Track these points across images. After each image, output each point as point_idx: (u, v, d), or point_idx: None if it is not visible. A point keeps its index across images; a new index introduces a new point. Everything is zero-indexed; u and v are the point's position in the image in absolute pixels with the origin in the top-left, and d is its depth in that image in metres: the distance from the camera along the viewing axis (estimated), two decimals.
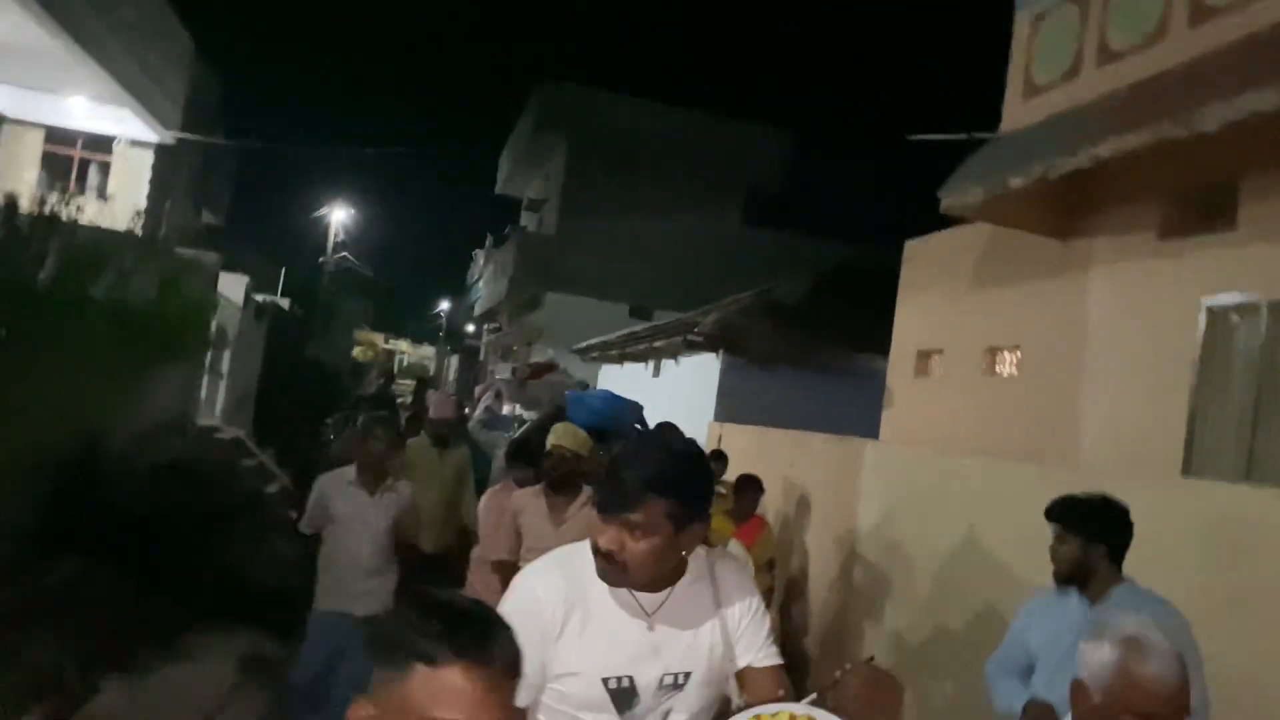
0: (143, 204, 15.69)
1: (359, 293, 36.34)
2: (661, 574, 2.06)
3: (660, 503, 1.96)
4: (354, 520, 4.95)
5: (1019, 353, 7.85)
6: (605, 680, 2.01)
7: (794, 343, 11.62)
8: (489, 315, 33.73)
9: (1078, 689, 1.92)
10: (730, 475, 6.94)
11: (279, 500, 11.03)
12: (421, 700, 1.22)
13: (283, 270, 22.46)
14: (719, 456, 7.17)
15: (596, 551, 2.01)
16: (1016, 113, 7.28)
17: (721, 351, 11.61)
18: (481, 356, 38.86)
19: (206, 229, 19.80)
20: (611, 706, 2.02)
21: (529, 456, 5.46)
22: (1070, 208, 6.99)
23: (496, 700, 1.24)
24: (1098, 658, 1.88)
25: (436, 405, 7.32)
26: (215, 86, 19.05)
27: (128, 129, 15.29)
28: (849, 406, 10.42)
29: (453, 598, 1.31)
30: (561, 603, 2.01)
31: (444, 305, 58.79)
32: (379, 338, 56.48)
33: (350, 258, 32.70)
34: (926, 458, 6.52)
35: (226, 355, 13.16)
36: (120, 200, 15.69)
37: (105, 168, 16.25)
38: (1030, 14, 7.42)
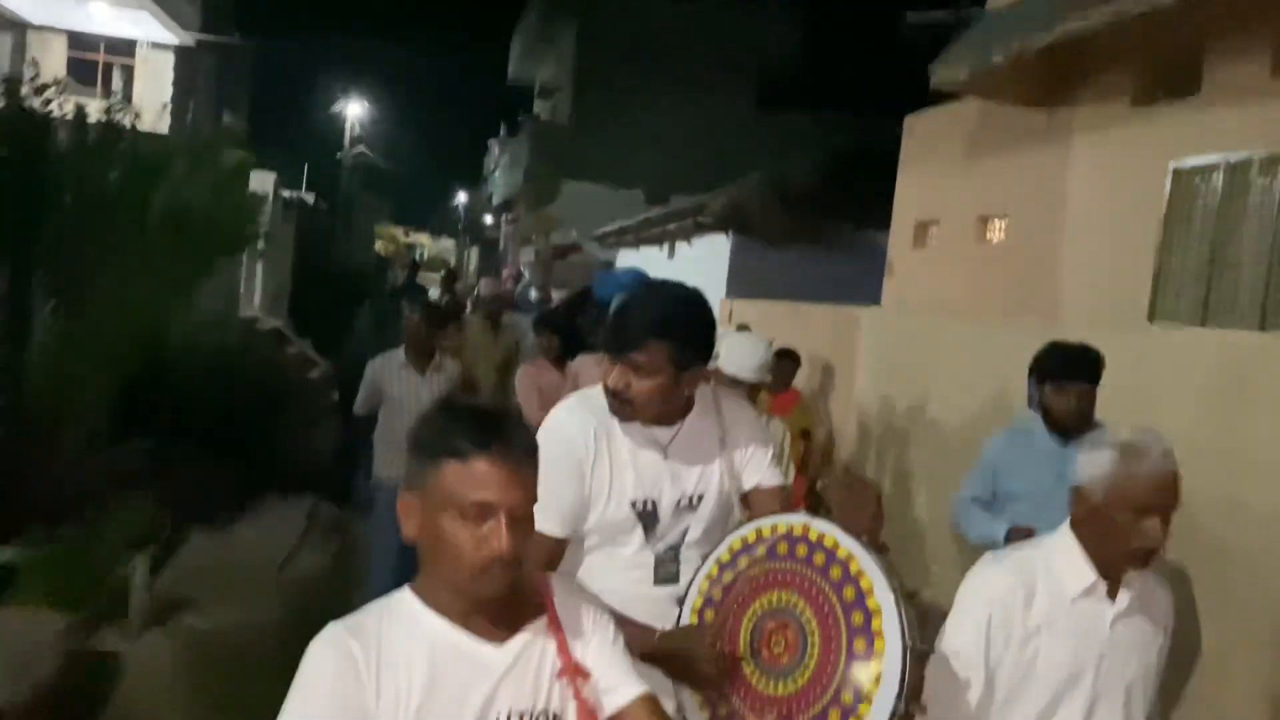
0: (167, 106, 16.10)
1: (378, 187, 36.66)
2: (670, 410, 2.21)
3: (662, 345, 2.09)
4: (406, 399, 5.22)
5: (1007, 220, 8.34)
6: (633, 504, 2.19)
7: (801, 221, 12.10)
8: (506, 205, 34.04)
9: (1077, 494, 2.03)
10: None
11: (321, 385, 11.79)
12: (455, 487, 1.42)
13: (305, 166, 22.89)
14: (789, 354, 6.77)
15: (606, 391, 2.18)
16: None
17: (731, 232, 12.10)
18: (501, 247, 39.31)
19: (228, 128, 20.19)
20: (639, 527, 2.20)
21: (554, 325, 6.04)
22: (1052, 80, 7.39)
23: (520, 479, 1.45)
24: (1098, 462, 1.99)
25: (486, 285, 7.90)
26: None
27: (148, 31, 15.62)
28: (854, 280, 10.95)
29: (475, 402, 1.60)
30: (590, 437, 2.16)
31: (462, 197, 58.91)
32: (400, 232, 56.87)
33: (368, 152, 32.97)
34: (917, 321, 7.12)
35: (261, 250, 13.76)
36: (145, 103, 16.07)
37: (129, 71, 16.64)
38: None
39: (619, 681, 1.58)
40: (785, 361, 6.52)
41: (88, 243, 5.90)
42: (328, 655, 1.43)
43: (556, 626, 1.54)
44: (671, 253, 15.03)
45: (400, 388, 5.28)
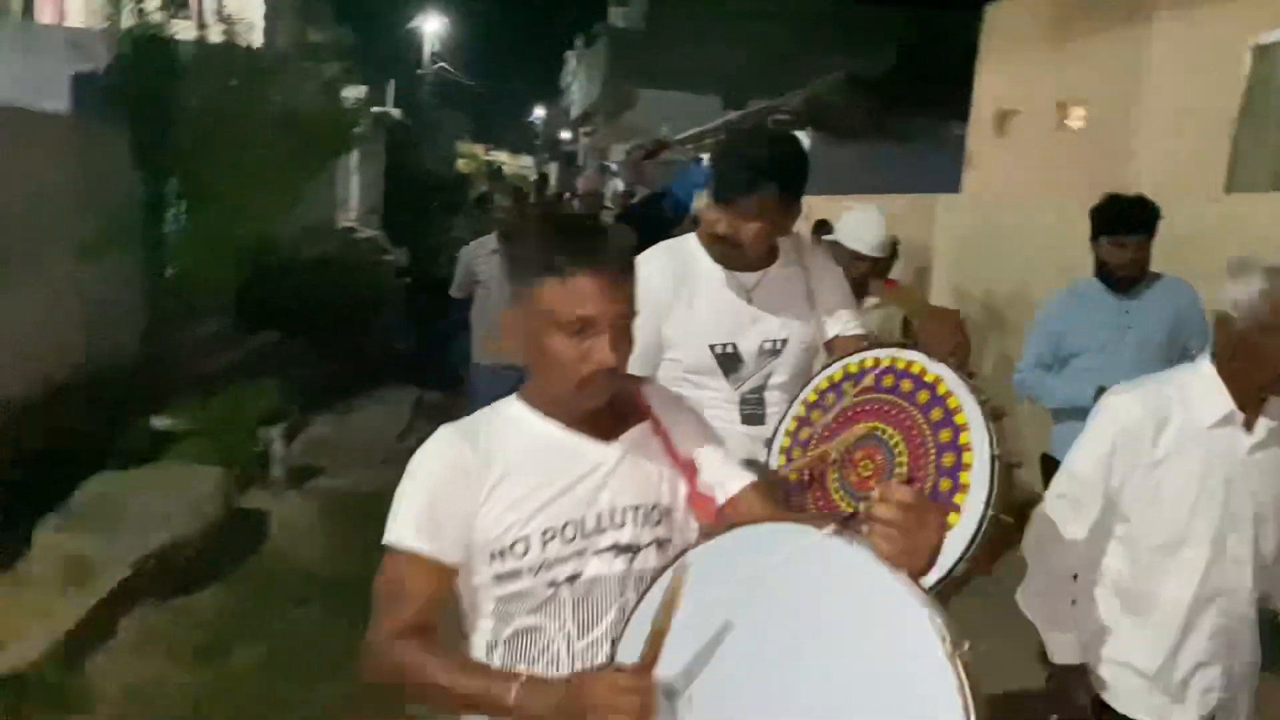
0: (260, 24, 16.61)
1: (457, 104, 36.94)
2: (761, 255, 2.26)
3: (771, 187, 2.13)
4: (495, 281, 5.32)
5: (1086, 106, 8.35)
6: (712, 347, 2.23)
7: (879, 116, 12.13)
8: (584, 119, 34.12)
9: (1221, 323, 1.98)
10: None
11: (415, 290, 12.39)
12: (555, 304, 1.41)
13: (391, 83, 23.31)
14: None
15: (713, 239, 2.22)
16: None
17: (809, 129, 12.20)
18: (580, 161, 39.49)
19: (314, 45, 20.67)
20: (719, 370, 2.25)
21: (631, 224, 6.40)
22: None
23: (618, 294, 1.43)
24: (1244, 289, 1.93)
25: (583, 181, 8.22)
26: None
27: None
28: (933, 172, 10.99)
29: (570, 215, 1.65)
30: (670, 281, 2.21)
31: (539, 113, 58.86)
32: (480, 149, 57.26)
33: (448, 68, 33.25)
34: (992, 206, 7.29)
35: (355, 163, 14.36)
36: (236, 20, 16.59)
37: None
38: None
39: (726, 474, 1.60)
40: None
41: (212, 148, 6.43)
42: (442, 449, 1.48)
43: (659, 427, 1.57)
44: None
45: (490, 271, 5.37)
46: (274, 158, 6.91)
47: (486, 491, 1.44)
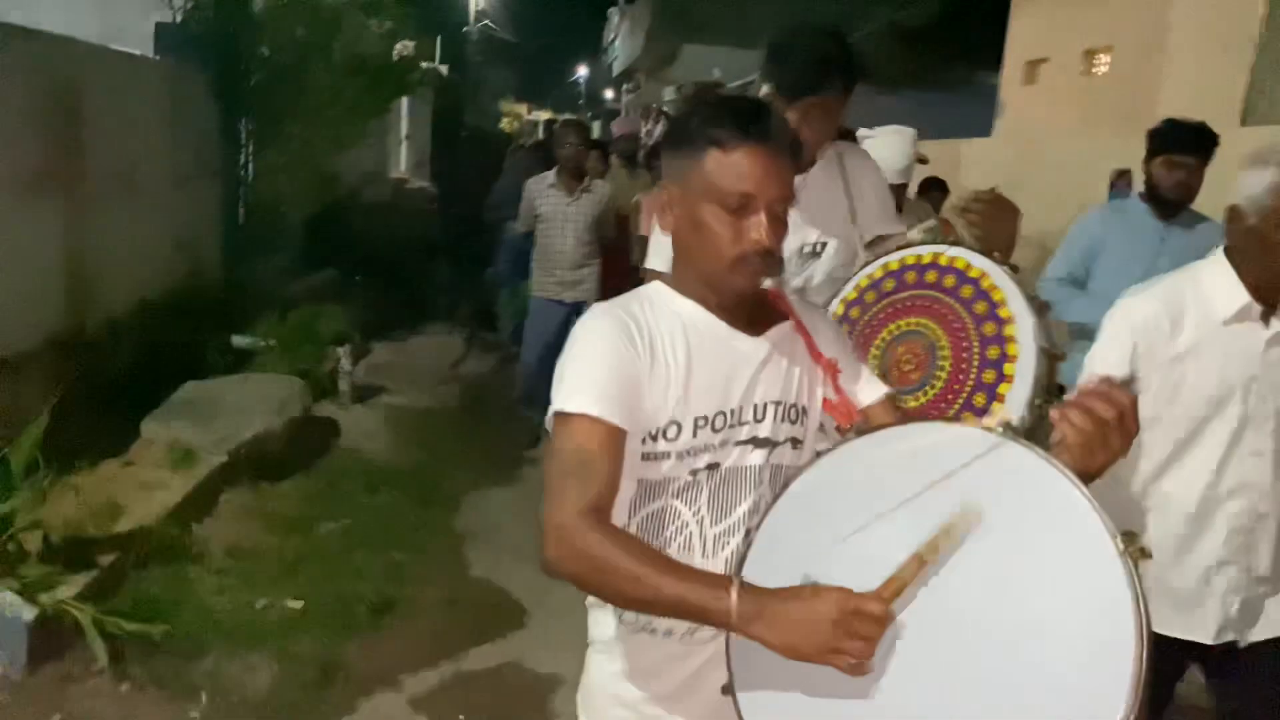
0: None
1: (502, 62, 37.23)
2: (810, 157, 2.20)
3: (836, 84, 2.10)
4: (556, 217, 5.49)
5: (1112, 52, 8.59)
6: None
7: (918, 64, 12.36)
8: (626, 75, 34.27)
9: (1234, 214, 1.94)
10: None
11: (463, 238, 12.92)
12: (716, 177, 1.37)
13: (438, 39, 23.70)
14: (938, 184, 6.81)
15: None
16: None
17: None
18: (621, 119, 39.61)
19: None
20: None
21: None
22: None
23: (778, 173, 1.39)
24: (1256, 180, 1.89)
25: (619, 124, 8.18)
26: None
27: None
28: (969, 118, 11.26)
29: (736, 94, 1.57)
30: None
31: (582, 72, 58.89)
32: (523, 108, 57.57)
33: (492, 25, 33.55)
34: (1013, 146, 7.61)
35: (405, 117, 14.84)
36: None
37: None
38: None
39: (864, 381, 1.59)
40: (935, 192, 6.50)
41: (282, 91, 6.94)
42: (605, 322, 1.43)
43: (801, 328, 1.54)
44: None
45: (549, 206, 5.50)
46: (338, 100, 7.41)
47: (650, 367, 1.40)
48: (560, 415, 1.37)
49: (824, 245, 2.28)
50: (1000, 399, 1.80)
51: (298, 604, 3.54)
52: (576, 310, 5.19)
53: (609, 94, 46.82)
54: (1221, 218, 3.37)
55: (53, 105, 4.80)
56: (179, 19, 6.60)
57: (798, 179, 2.21)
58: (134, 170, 5.66)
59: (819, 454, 1.42)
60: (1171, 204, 3.46)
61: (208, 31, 6.58)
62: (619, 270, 5.35)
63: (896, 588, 1.15)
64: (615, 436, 1.35)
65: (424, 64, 17.69)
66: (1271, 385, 1.96)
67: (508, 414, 5.97)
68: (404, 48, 10.05)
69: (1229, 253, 1.98)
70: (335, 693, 3.09)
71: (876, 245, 2.31)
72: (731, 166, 1.37)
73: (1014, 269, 1.92)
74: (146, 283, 5.72)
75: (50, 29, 5.11)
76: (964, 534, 1.16)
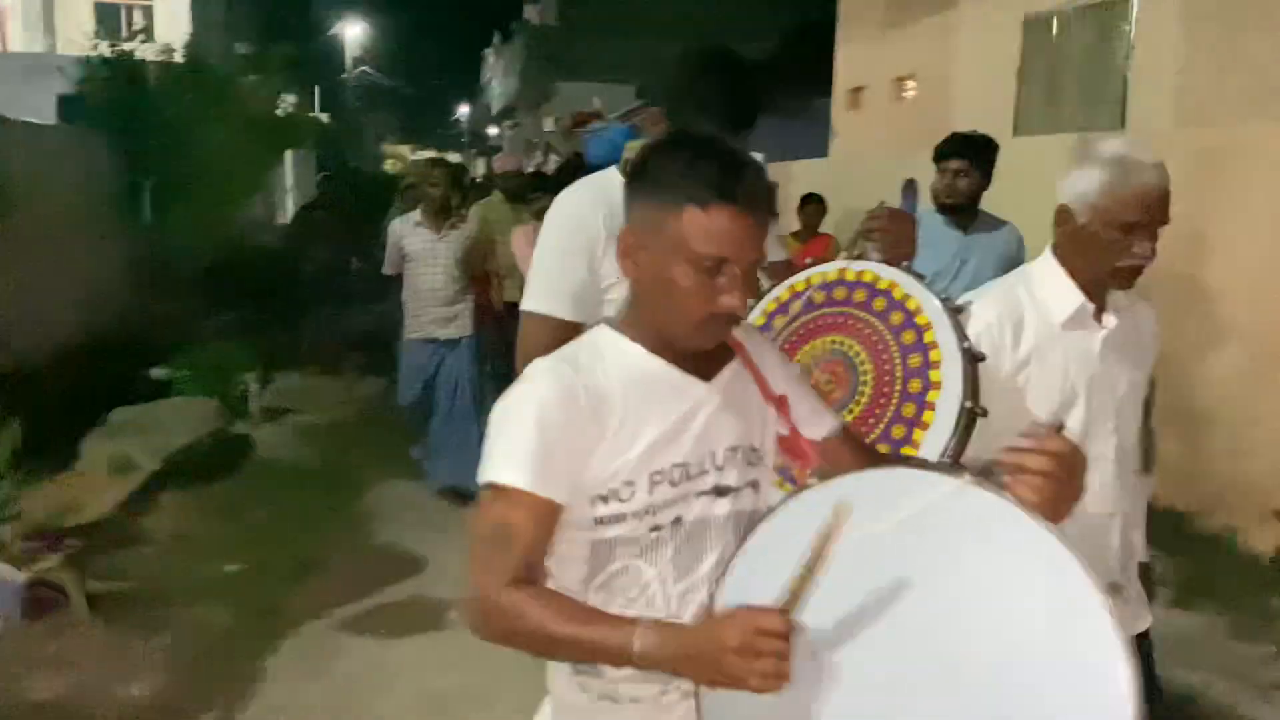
0: (185, 40, 17.64)
1: (382, 106, 37.81)
2: None
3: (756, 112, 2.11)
4: (424, 256, 5.47)
5: (915, 80, 9.94)
6: None
7: (762, 94, 13.60)
8: (506, 113, 35.29)
9: (1063, 214, 1.93)
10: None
11: (356, 275, 13.65)
12: (691, 237, 1.30)
13: (316, 89, 24.32)
14: (815, 199, 7.07)
15: None
16: None
17: None
18: (503, 154, 40.58)
19: (243, 57, 21.68)
20: None
21: (546, 190, 6.02)
22: None
23: (755, 236, 1.33)
24: (1085, 180, 1.88)
25: (501, 160, 8.41)
26: None
27: None
28: (810, 141, 12.55)
29: (718, 142, 1.36)
30: (600, 218, 2.04)
31: (463, 110, 59.66)
32: (406, 149, 57.85)
33: (370, 71, 34.20)
34: (830, 165, 8.81)
35: (289, 167, 15.52)
36: (165, 40, 17.70)
37: (148, 11, 18.13)
38: None
39: (816, 414, 1.55)
40: (811, 205, 6.67)
41: (177, 153, 7.70)
42: (546, 384, 1.36)
43: (750, 364, 1.49)
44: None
45: (417, 245, 5.48)
46: (229, 157, 8.20)
47: (599, 432, 1.34)
48: (490, 485, 1.32)
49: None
50: (930, 407, 1.80)
51: (234, 567, 4.35)
52: (451, 346, 5.51)
53: (492, 130, 47.72)
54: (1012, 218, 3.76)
55: None
56: (77, 91, 7.32)
57: None
58: (48, 227, 6.35)
59: (782, 501, 1.40)
60: (952, 208, 3.66)
61: (106, 100, 7.31)
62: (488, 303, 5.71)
63: (793, 600, 1.15)
64: (546, 509, 1.32)
65: (307, 114, 18.42)
66: (1108, 386, 1.98)
67: (397, 421, 6.69)
68: (285, 103, 10.85)
69: (1058, 254, 1.98)
70: (275, 625, 3.91)
71: (772, 270, 2.27)
72: (709, 227, 1.30)
73: (920, 276, 1.95)
74: (66, 326, 6.41)
75: None
76: (843, 530, 1.15)
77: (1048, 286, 1.97)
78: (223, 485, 5.45)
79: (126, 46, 7.39)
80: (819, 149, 11.81)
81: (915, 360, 1.86)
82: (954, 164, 3.66)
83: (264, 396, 7.19)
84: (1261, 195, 4.70)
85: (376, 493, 5.63)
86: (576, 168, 6.55)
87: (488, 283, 5.85)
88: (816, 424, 1.55)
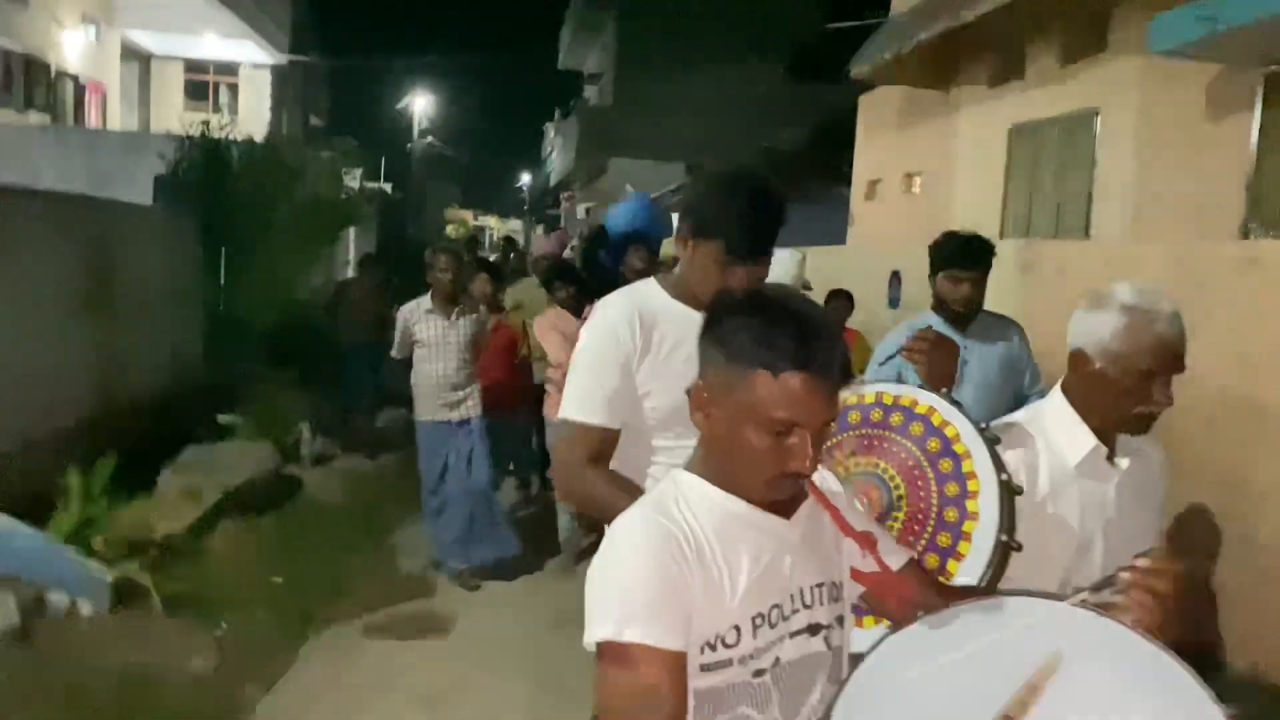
0: (266, 115, 19.23)
1: (446, 175, 39.60)
2: None
3: (776, 235, 2.10)
4: (434, 341, 5.52)
5: (922, 175, 10.80)
6: (687, 391, 1.92)
7: (789, 181, 14.59)
8: (563, 185, 36.77)
9: (1076, 358, 1.92)
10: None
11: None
12: (761, 400, 1.31)
13: (382, 160, 25.91)
14: (843, 294, 7.12)
15: (693, 286, 2.11)
16: (898, 2, 10.07)
17: None
18: (561, 224, 42.15)
19: (316, 131, 23.32)
20: None
21: (569, 276, 6.14)
22: (942, 70, 9.84)
23: (827, 401, 1.33)
24: (1103, 324, 1.86)
25: (538, 245, 9.55)
26: (311, 12, 22.31)
27: (249, 55, 18.71)
28: (829, 228, 13.43)
29: (792, 305, 1.36)
30: (636, 328, 2.10)
31: (525, 179, 61.71)
32: (468, 215, 59.93)
33: (436, 142, 36.00)
34: (839, 253, 9.66)
35: (352, 235, 16.78)
36: (247, 113, 19.30)
37: (234, 89, 19.78)
38: None
39: (888, 547, 1.56)
40: (840, 301, 6.78)
41: (251, 228, 8.82)
42: (646, 534, 1.35)
43: (824, 500, 1.48)
44: None
45: (428, 331, 5.53)
46: (296, 234, 9.31)
47: (703, 577, 1.34)
48: (612, 644, 1.29)
49: None
50: (966, 537, 1.79)
51: (278, 580, 5.23)
52: (464, 426, 5.61)
53: (550, 202, 49.43)
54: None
55: (85, 247, 6.61)
56: (172, 172, 8.48)
57: None
58: (141, 293, 7.43)
59: (879, 641, 1.44)
60: (961, 316, 3.51)
61: (195, 181, 8.46)
62: (503, 379, 6.07)
63: None
64: (678, 663, 1.30)
65: (369, 184, 19.82)
66: (1125, 526, 1.96)
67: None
68: (352, 179, 12.04)
69: (1069, 395, 1.98)
70: (308, 626, 4.78)
71: None
72: (780, 393, 1.31)
73: (957, 403, 1.96)
74: (153, 377, 7.44)
75: (78, 189, 6.95)
76: (1048, 683, 1.16)
77: (1060, 430, 1.97)
78: (274, 516, 6.35)
79: (213, 129, 8.51)
80: (840, 235, 12.70)
81: (952, 489, 1.84)
82: (970, 274, 3.48)
83: (314, 444, 8.14)
84: (1222, 313, 4.30)
85: (402, 530, 6.49)
86: (592, 238, 6.94)
87: (508, 366, 6.20)
88: (892, 557, 1.56)
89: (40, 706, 3.79)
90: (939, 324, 3.52)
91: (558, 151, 36.05)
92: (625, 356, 2.10)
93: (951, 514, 1.83)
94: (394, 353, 5.72)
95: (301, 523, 6.33)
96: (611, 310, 2.17)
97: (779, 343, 1.31)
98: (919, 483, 1.88)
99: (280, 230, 9.03)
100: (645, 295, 2.19)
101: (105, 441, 5.92)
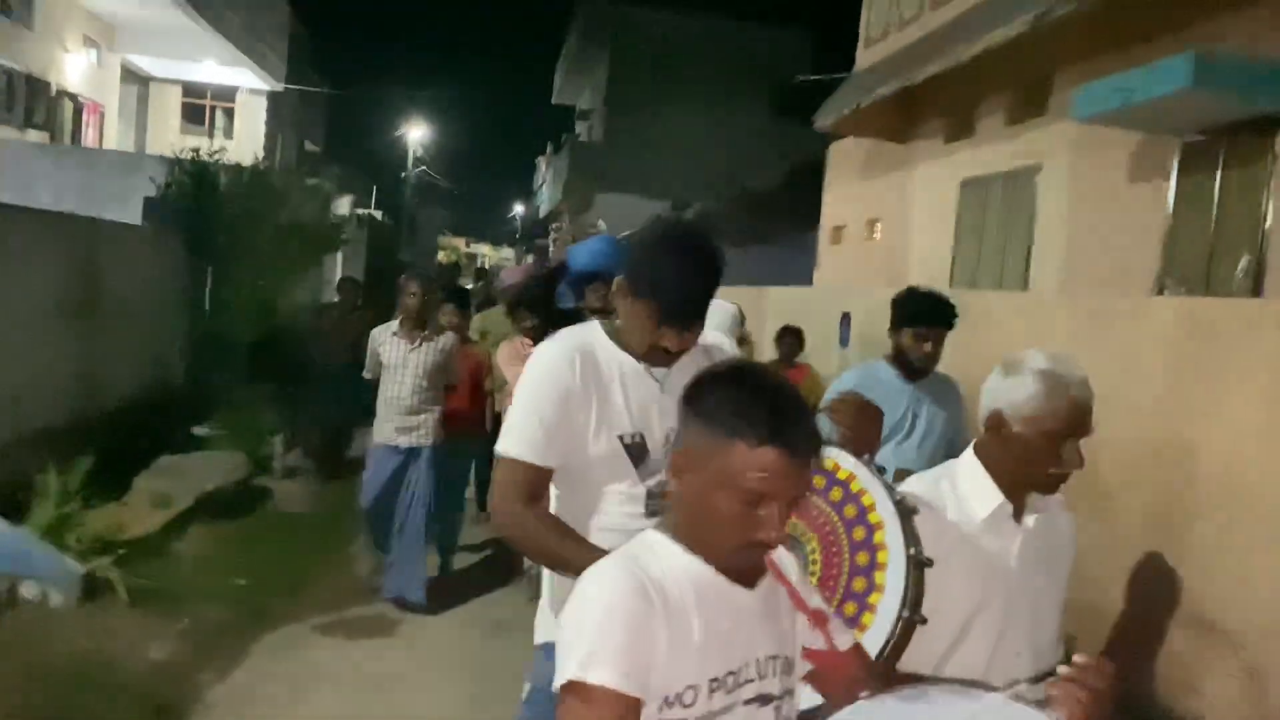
0: (261, 140, 19.72)
1: (439, 202, 40.11)
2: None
3: (711, 297, 2.14)
4: (397, 365, 5.55)
5: (882, 222, 11.29)
6: (621, 437, 2.15)
7: (766, 223, 15.09)
8: (552, 216, 37.32)
9: (995, 419, 1.98)
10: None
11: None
12: (737, 472, 1.37)
13: (374, 187, 26.40)
14: (792, 331, 7.27)
15: (634, 338, 2.15)
16: (861, 59, 10.61)
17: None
18: (550, 254, 42.67)
19: (310, 156, 23.82)
20: (628, 460, 2.16)
21: (530, 304, 5.77)
22: (901, 124, 10.35)
23: (800, 474, 1.40)
24: (1018, 388, 1.94)
25: (506, 274, 9.44)
26: (309, 42, 22.88)
27: (246, 81, 19.23)
28: (795, 269, 13.91)
29: (772, 382, 1.45)
30: (578, 370, 2.13)
31: (518, 209, 62.31)
32: (460, 242, 60.41)
33: (430, 171, 36.57)
34: (795, 293, 10.10)
35: (339, 258, 17.19)
36: (243, 137, 19.78)
37: (230, 113, 20.26)
38: None
39: (838, 627, 1.59)
40: (789, 338, 7.01)
41: (236, 248, 9.22)
42: (617, 578, 1.40)
43: (781, 576, 1.53)
44: None
45: (390, 353, 5.57)
46: (280, 256, 9.71)
47: (667, 630, 1.37)
48: (576, 684, 1.33)
49: None
50: (871, 609, 1.81)
51: (241, 581, 5.58)
52: (413, 456, 5.59)
53: (540, 232, 49.96)
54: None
55: (74, 263, 7.00)
56: (161, 194, 8.89)
57: (664, 369, 2.17)
58: (126, 306, 7.81)
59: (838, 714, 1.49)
60: (912, 367, 3.62)
61: (182, 203, 8.87)
62: (466, 406, 6.18)
63: None
64: (636, 708, 1.34)
65: (360, 209, 20.27)
66: (1026, 586, 2.02)
67: None
68: (341, 205, 12.46)
69: (981, 454, 2.05)
70: (264, 622, 5.12)
71: None
72: (755, 464, 1.37)
73: (880, 470, 1.99)
74: (132, 385, 7.81)
75: (72, 205, 7.35)
76: None
77: (970, 484, 2.03)
78: (242, 523, 6.70)
79: (204, 156, 8.94)
80: (808, 276, 13.17)
81: (863, 558, 1.86)
82: (935, 331, 3.59)
83: (286, 458, 8.49)
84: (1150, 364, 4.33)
85: (361, 540, 6.83)
86: (551, 275, 6.56)
87: (473, 393, 6.33)
88: (842, 638, 1.60)
89: (1, 691, 4.12)
90: (892, 375, 3.66)
91: (548, 184, 36.62)
92: (565, 394, 2.12)
93: (860, 584, 1.85)
94: (365, 373, 5.80)
95: (266, 529, 6.69)
96: (553, 348, 2.20)
97: (757, 416, 1.38)
98: (833, 549, 1.91)
99: (264, 252, 9.42)
100: (587, 336, 2.22)
101: (84, 445, 6.28)
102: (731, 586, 1.46)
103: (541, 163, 40.36)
